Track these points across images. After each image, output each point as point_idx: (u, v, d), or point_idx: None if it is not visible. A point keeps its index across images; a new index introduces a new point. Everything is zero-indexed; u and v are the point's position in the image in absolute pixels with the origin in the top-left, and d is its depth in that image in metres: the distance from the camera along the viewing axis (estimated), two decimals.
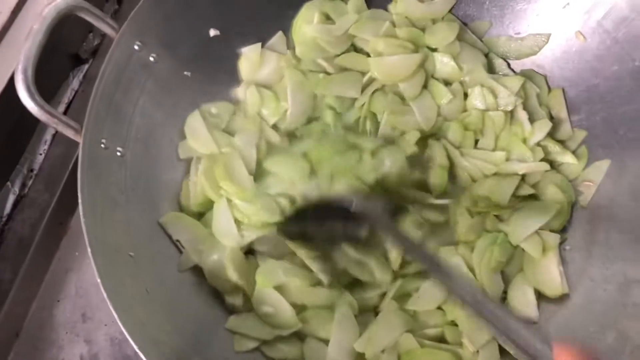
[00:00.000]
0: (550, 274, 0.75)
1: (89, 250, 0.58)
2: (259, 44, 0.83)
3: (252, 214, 0.73)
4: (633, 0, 0.74)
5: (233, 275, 0.72)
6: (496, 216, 0.79)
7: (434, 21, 0.87)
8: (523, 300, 0.75)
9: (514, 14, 0.86)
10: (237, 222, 0.73)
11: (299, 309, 0.72)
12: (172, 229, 0.74)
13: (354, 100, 0.83)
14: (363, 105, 0.82)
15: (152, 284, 0.65)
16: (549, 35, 0.85)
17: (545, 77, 0.86)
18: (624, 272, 0.71)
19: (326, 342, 0.70)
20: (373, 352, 0.69)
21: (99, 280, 0.57)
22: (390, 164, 0.78)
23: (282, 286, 0.71)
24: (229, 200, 0.74)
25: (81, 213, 0.60)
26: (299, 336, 0.72)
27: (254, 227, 0.73)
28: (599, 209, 0.78)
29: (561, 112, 0.84)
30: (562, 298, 0.75)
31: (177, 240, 0.74)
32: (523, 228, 0.77)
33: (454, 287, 0.56)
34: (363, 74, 0.84)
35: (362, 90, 0.83)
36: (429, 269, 0.60)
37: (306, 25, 0.83)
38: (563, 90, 0.84)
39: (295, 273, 0.71)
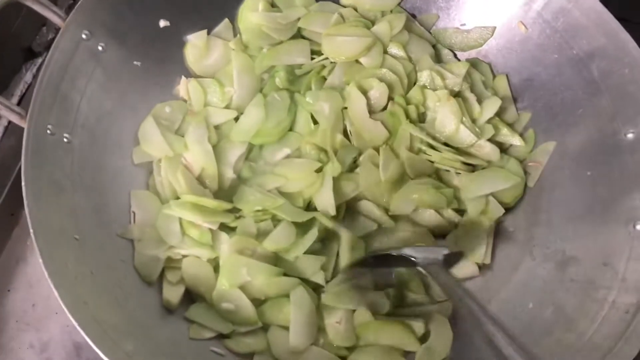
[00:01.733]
0: (479, 240, 0.79)
1: (31, 231, 0.59)
2: (205, 31, 0.85)
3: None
4: None
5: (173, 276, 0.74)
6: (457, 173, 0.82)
7: (382, 13, 0.90)
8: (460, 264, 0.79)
9: (459, 6, 0.89)
10: (182, 227, 0.74)
11: (259, 302, 0.73)
12: (135, 200, 0.76)
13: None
14: (311, 71, 0.85)
15: (97, 267, 0.66)
16: (494, 29, 0.88)
17: (489, 65, 0.89)
18: (563, 250, 0.74)
19: (287, 328, 0.71)
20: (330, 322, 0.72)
21: (40, 260, 0.58)
22: (329, 108, 0.81)
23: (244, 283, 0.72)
24: (182, 205, 0.73)
25: (24, 195, 0.60)
26: (263, 326, 0.73)
27: (195, 240, 0.74)
28: (542, 191, 0.81)
29: (506, 96, 0.87)
30: (506, 278, 0.78)
31: (133, 212, 0.76)
32: (477, 186, 0.81)
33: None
34: None
35: None
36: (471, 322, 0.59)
37: (251, 13, 0.85)
38: (507, 76, 0.87)
39: (260, 269, 0.72)
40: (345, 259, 0.76)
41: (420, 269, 0.70)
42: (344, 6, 0.90)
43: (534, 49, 0.84)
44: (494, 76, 0.89)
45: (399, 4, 0.91)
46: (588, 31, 0.76)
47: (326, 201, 0.76)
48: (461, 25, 0.90)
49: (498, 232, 0.82)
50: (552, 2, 0.80)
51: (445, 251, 0.70)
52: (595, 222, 0.73)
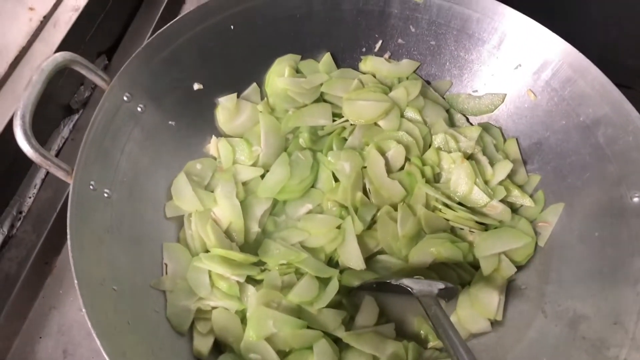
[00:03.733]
0: (490, 297, 0.82)
1: (75, 282, 0.62)
2: (235, 94, 0.91)
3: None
4: (575, 64, 0.83)
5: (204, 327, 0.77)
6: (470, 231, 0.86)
7: (399, 80, 0.96)
8: (472, 319, 0.82)
9: (472, 74, 0.95)
10: (211, 279, 0.78)
11: (284, 353, 0.76)
12: (167, 253, 0.80)
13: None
14: (332, 132, 0.91)
15: (133, 317, 0.69)
16: (504, 96, 0.94)
17: (500, 129, 0.94)
18: (574, 308, 0.77)
19: None
20: None
21: (83, 310, 0.61)
22: (349, 167, 0.86)
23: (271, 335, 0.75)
24: (211, 258, 0.77)
25: (69, 248, 0.64)
26: None
27: (224, 292, 0.77)
28: (552, 250, 0.85)
29: (517, 159, 0.92)
30: (519, 335, 0.80)
31: (165, 264, 0.80)
32: (490, 245, 0.84)
33: None
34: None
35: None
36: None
37: (278, 78, 0.92)
38: (517, 140, 0.92)
39: (285, 322, 0.75)
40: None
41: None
42: (363, 73, 0.98)
43: (543, 115, 0.89)
44: (505, 140, 0.94)
45: (414, 71, 0.97)
46: (593, 100, 0.82)
47: (353, 256, 0.81)
48: (473, 91, 0.96)
49: (510, 289, 0.85)
50: (559, 72, 0.85)
51: (441, 286, 0.75)
52: (604, 282, 0.76)
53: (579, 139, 0.84)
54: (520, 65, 0.90)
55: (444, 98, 0.98)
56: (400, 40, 0.96)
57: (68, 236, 0.65)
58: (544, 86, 0.88)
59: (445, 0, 0.90)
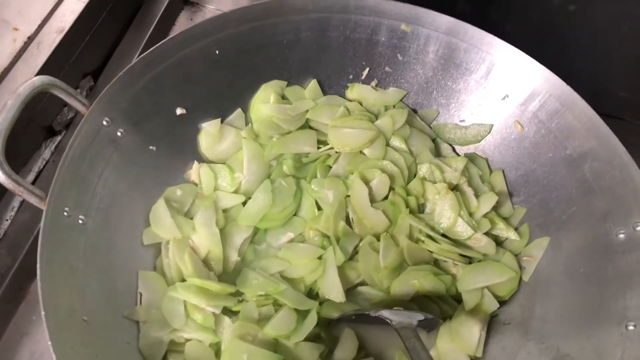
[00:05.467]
0: (471, 332, 0.79)
1: (42, 313, 0.60)
2: (219, 120, 0.90)
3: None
4: (563, 96, 0.83)
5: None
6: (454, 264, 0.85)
7: (386, 108, 0.95)
8: (451, 355, 0.80)
9: (459, 103, 0.95)
10: (186, 310, 0.76)
11: None
12: (142, 281, 0.78)
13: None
14: (317, 159, 0.90)
15: (103, 350, 0.67)
16: (491, 126, 0.93)
17: (486, 160, 0.93)
18: (558, 346, 0.75)
19: None
20: None
21: (49, 343, 0.59)
22: (333, 196, 0.85)
23: None
24: (187, 288, 0.76)
25: (38, 277, 0.62)
26: None
27: (198, 324, 0.75)
28: (537, 285, 0.83)
29: (502, 190, 0.91)
30: None
31: (140, 293, 0.77)
32: (473, 279, 0.83)
33: None
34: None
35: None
36: None
37: (263, 105, 0.91)
38: (503, 172, 0.91)
39: (260, 355, 0.72)
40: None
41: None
42: (350, 100, 0.97)
43: (530, 146, 0.88)
44: (491, 171, 0.93)
45: (401, 100, 0.96)
46: (580, 133, 0.81)
47: (333, 288, 0.79)
48: (460, 121, 0.95)
49: (493, 324, 0.83)
50: (546, 104, 0.85)
51: (420, 317, 0.74)
52: (588, 320, 0.74)
53: (565, 172, 0.83)
54: (507, 96, 0.89)
55: (430, 127, 0.97)
56: (387, 69, 0.96)
57: (38, 265, 0.63)
58: (531, 118, 0.87)
59: (433, 29, 0.90)
